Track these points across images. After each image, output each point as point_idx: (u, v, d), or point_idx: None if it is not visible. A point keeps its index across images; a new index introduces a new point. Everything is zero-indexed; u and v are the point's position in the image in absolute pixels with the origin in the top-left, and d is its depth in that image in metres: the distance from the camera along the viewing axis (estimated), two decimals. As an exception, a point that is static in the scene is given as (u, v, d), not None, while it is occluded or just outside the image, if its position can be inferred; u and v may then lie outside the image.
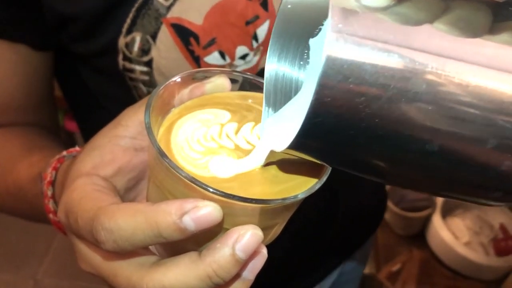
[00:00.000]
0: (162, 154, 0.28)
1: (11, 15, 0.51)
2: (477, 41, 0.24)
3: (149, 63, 0.51)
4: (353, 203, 0.82)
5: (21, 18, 0.51)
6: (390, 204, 1.48)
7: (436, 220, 1.45)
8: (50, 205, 0.42)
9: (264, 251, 0.30)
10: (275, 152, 0.31)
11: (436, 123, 0.23)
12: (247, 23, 0.51)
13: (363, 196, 0.84)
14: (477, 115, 0.23)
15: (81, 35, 0.51)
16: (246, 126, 0.34)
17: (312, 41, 0.30)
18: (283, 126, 0.30)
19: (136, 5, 0.48)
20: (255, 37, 0.52)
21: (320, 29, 0.29)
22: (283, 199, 0.28)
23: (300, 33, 0.31)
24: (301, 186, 0.30)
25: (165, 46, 0.50)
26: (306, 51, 0.31)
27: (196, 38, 0.50)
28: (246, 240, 0.27)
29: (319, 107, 0.22)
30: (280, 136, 0.29)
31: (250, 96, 0.36)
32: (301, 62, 0.32)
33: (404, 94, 0.22)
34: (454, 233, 1.45)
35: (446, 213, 1.50)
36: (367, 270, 1.39)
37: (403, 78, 0.22)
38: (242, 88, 0.37)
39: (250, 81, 0.36)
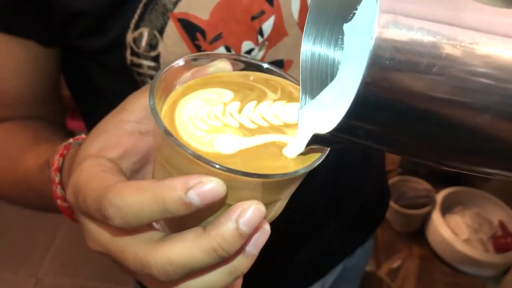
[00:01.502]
0: (167, 133, 0.29)
1: (20, 11, 0.51)
2: None
3: (156, 58, 0.52)
4: (356, 201, 0.83)
5: (30, 14, 0.52)
6: (389, 202, 1.48)
7: (436, 217, 1.46)
8: (58, 191, 0.43)
9: (267, 227, 0.30)
10: (284, 129, 0.32)
11: (489, 98, 0.24)
12: (253, 18, 0.51)
13: (366, 194, 0.85)
14: None
15: (89, 30, 0.52)
16: (249, 105, 0.34)
17: (346, 26, 0.31)
18: (325, 111, 0.31)
19: (144, 0, 0.49)
20: (261, 32, 0.52)
21: (354, 14, 0.30)
22: (284, 174, 0.29)
23: (334, 19, 0.31)
24: (302, 163, 0.31)
25: (172, 41, 0.51)
26: (340, 37, 0.32)
27: (203, 33, 0.51)
28: (250, 214, 0.28)
29: (367, 88, 0.23)
30: (322, 120, 0.30)
31: (252, 75, 0.37)
32: (336, 48, 0.32)
33: (455, 71, 0.23)
34: (453, 230, 1.45)
35: (445, 210, 1.50)
36: (367, 267, 1.40)
37: (454, 54, 0.23)
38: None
39: (252, 64, 0.37)
